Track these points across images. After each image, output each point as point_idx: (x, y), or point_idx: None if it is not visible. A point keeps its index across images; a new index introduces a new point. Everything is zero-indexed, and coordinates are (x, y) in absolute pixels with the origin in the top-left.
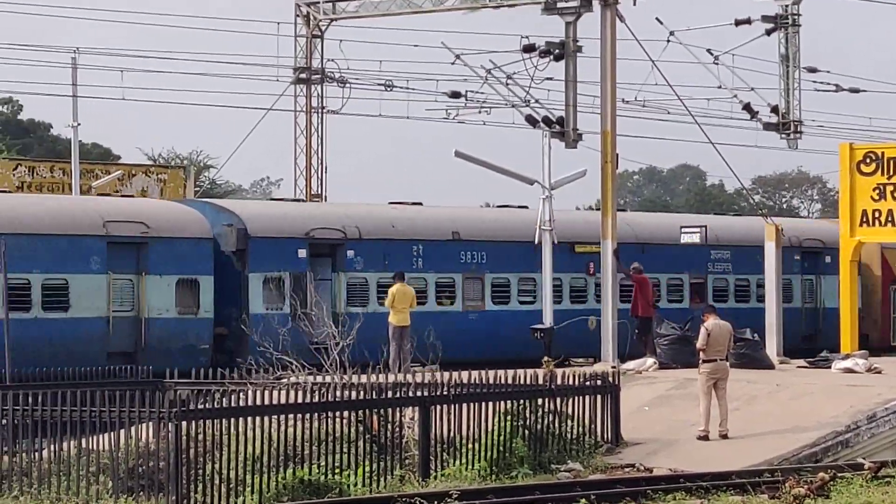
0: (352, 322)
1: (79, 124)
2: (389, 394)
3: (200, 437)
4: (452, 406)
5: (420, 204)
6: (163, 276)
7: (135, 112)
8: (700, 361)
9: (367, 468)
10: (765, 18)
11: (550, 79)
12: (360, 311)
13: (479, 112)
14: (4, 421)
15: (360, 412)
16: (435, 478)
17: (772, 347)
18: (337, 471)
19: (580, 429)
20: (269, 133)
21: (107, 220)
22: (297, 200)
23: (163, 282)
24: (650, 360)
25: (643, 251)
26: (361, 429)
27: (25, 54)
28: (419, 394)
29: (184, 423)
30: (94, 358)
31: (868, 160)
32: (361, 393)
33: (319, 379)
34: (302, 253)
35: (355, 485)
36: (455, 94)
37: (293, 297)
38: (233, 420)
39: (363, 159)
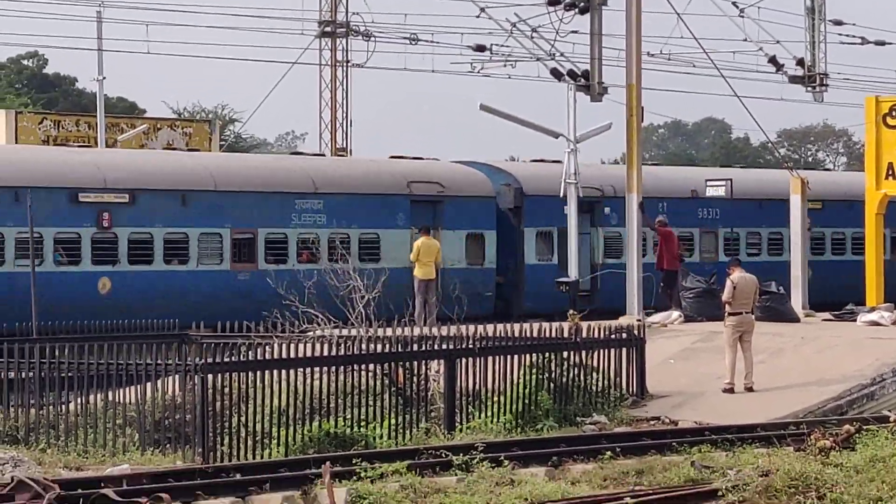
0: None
1: (104, 78)
2: (415, 347)
3: (227, 389)
4: (478, 359)
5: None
6: (455, 231)
7: (160, 66)
8: (726, 314)
9: (393, 421)
10: None
11: (576, 32)
12: (614, 261)
13: (504, 65)
14: (31, 374)
15: (386, 365)
16: (460, 430)
17: (797, 300)
18: (363, 423)
19: (605, 382)
20: (294, 87)
21: (410, 181)
22: (557, 161)
23: (455, 236)
24: (675, 313)
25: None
26: (387, 382)
27: (50, 8)
28: (445, 346)
29: (210, 376)
30: (399, 305)
31: (894, 113)
32: (387, 346)
33: (345, 332)
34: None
35: (381, 437)
36: (480, 48)
37: (560, 250)
38: (259, 373)
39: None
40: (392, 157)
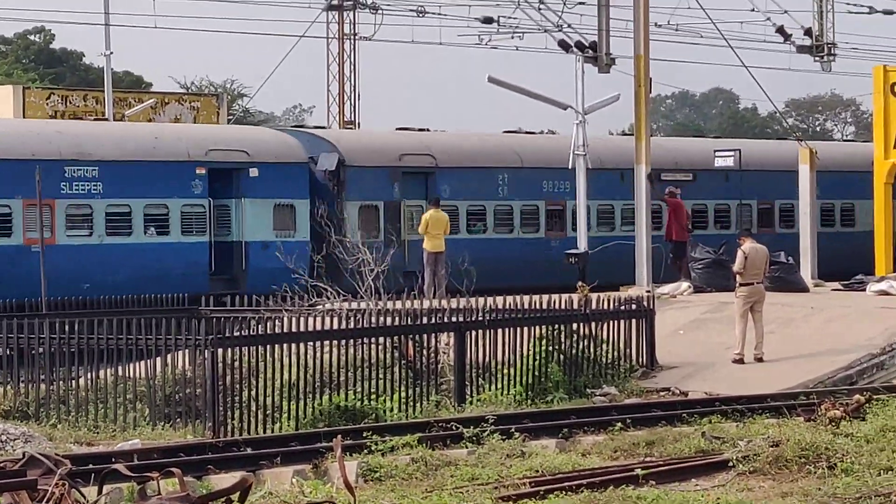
0: None
1: (111, 53)
2: (424, 320)
3: (237, 364)
4: (487, 331)
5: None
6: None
7: (167, 40)
8: (737, 285)
9: (403, 394)
10: None
11: (583, 3)
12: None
13: (512, 37)
14: (41, 349)
15: (396, 338)
16: (471, 403)
17: (806, 270)
18: (373, 397)
19: (615, 353)
20: (301, 61)
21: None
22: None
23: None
24: (685, 285)
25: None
26: (397, 355)
27: None
28: (454, 319)
29: (220, 351)
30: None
31: None
32: (396, 319)
33: (355, 305)
34: None
35: (391, 410)
36: (487, 20)
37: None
38: (268, 347)
39: (396, 86)
40: (398, 128)
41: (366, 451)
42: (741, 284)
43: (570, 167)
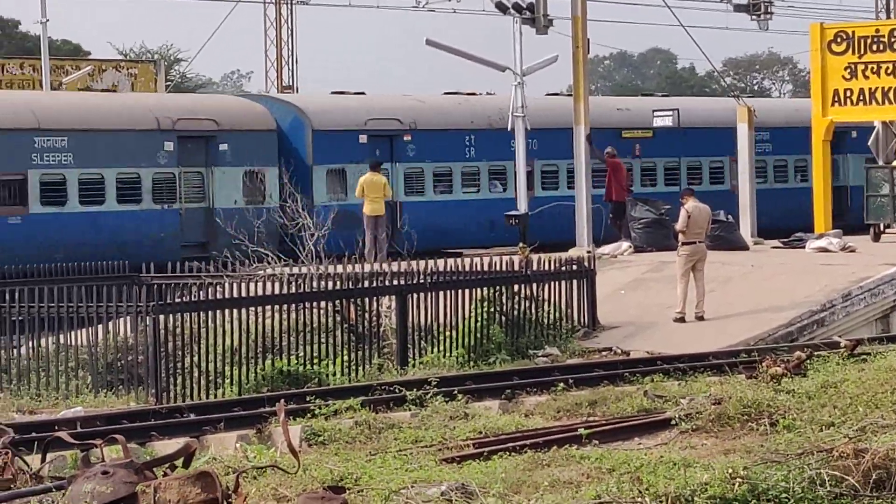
0: None
1: (47, 20)
2: (366, 283)
3: (178, 330)
4: (429, 294)
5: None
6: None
7: (103, 7)
8: (679, 244)
9: (346, 358)
10: None
11: None
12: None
13: (450, 0)
14: None
15: (338, 302)
16: (413, 366)
17: (745, 228)
18: (315, 361)
19: (557, 314)
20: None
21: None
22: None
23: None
24: (625, 244)
25: None
26: (339, 319)
27: None
28: (396, 282)
29: (161, 317)
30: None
31: (839, 39)
32: (338, 283)
33: (296, 270)
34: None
35: (334, 374)
36: None
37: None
38: (210, 313)
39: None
40: (333, 92)
41: (309, 415)
42: (684, 243)
43: (508, 128)
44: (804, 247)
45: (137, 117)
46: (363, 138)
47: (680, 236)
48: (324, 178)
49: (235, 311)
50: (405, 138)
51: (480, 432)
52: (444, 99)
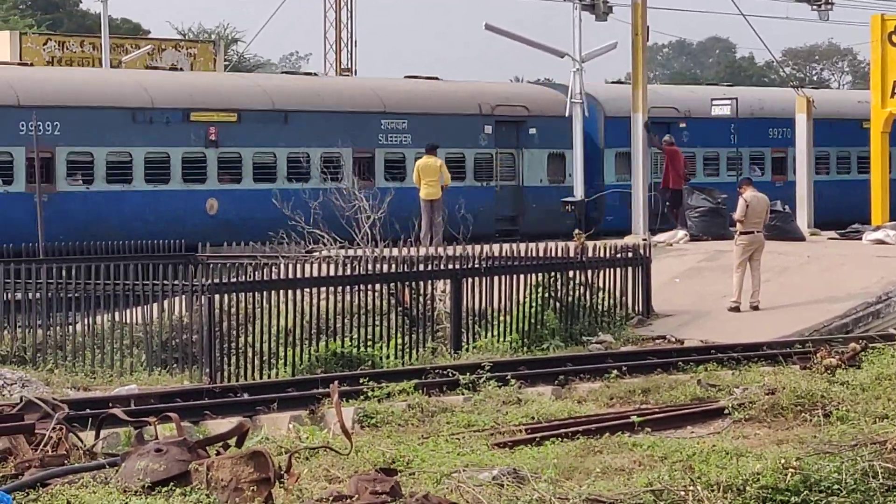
0: None
1: None
2: (421, 267)
3: (233, 310)
4: (484, 278)
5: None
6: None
7: None
8: (737, 233)
9: (399, 341)
10: None
11: None
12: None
13: None
14: (38, 295)
15: (392, 285)
16: (467, 350)
17: (802, 219)
18: (369, 343)
19: (611, 301)
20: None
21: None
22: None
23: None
24: (681, 233)
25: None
26: (393, 302)
27: None
28: (451, 266)
29: (217, 296)
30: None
31: None
32: (393, 266)
33: (351, 252)
34: None
35: (387, 357)
36: None
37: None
38: (265, 293)
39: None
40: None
41: (362, 397)
42: (742, 233)
43: (566, 115)
44: (861, 238)
45: (463, 103)
46: None
47: (738, 226)
48: (613, 160)
49: (290, 291)
50: (680, 125)
51: (533, 418)
52: None
